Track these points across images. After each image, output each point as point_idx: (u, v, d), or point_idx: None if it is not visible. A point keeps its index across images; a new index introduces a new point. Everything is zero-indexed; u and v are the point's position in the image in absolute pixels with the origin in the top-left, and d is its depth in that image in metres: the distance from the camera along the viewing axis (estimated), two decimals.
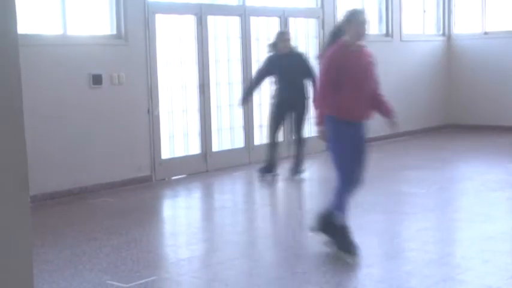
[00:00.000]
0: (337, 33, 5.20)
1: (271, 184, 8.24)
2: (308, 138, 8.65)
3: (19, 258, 2.41)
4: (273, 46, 8.46)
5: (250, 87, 8.69)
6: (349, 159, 5.17)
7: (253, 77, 8.83)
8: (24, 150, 2.40)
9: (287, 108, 8.40)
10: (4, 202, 2.35)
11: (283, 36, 8.46)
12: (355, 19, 5.10)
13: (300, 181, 8.34)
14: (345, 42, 5.12)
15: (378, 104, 5.31)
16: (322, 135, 5.18)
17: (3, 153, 2.34)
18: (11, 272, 2.39)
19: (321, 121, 5.13)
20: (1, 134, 2.32)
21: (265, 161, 8.44)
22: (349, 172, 5.17)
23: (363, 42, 5.19)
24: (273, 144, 8.44)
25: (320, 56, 5.18)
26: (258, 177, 8.38)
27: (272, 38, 8.61)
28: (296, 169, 8.47)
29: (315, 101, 5.21)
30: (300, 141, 8.51)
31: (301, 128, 8.49)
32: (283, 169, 8.59)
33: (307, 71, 8.30)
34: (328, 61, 5.10)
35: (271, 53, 8.48)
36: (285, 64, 8.29)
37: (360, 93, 5.12)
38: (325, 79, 5.10)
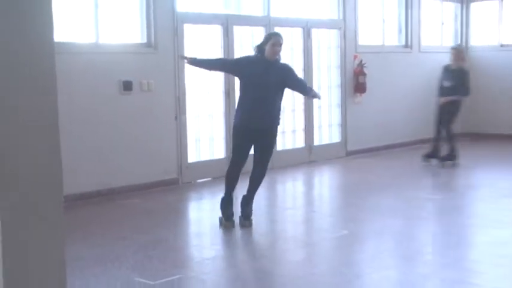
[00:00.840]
0: None
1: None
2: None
3: (54, 255, 2.57)
4: (259, 48, 6.47)
5: (204, 62, 6.84)
6: None
7: (214, 59, 7.48)
8: (58, 152, 2.53)
9: (251, 133, 6.42)
10: (40, 201, 2.50)
11: (276, 40, 6.39)
12: None
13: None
14: None
15: None
16: None
17: (40, 155, 2.48)
18: (46, 267, 2.56)
19: None
20: (38, 137, 2.47)
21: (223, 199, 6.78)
22: None
23: None
24: (233, 179, 6.65)
25: None
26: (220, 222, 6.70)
27: (262, 39, 6.68)
28: (246, 211, 6.65)
29: None
30: (256, 179, 6.64)
31: (265, 163, 6.57)
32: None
33: (296, 84, 6.61)
34: None
35: (255, 54, 6.52)
36: (265, 73, 6.33)
37: None
38: None
